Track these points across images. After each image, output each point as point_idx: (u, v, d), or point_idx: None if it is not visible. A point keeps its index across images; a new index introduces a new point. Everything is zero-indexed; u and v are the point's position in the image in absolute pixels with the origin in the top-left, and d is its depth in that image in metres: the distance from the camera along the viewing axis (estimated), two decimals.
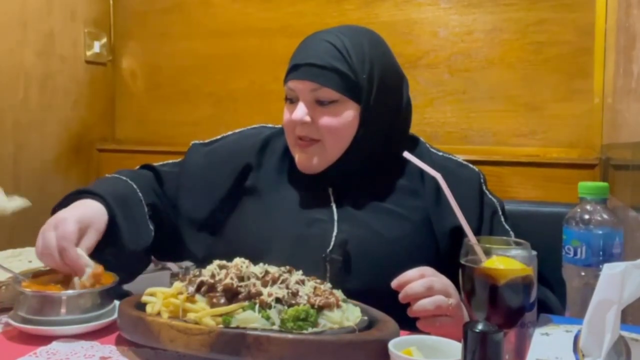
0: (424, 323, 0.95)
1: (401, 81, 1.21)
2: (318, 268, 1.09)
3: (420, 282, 0.95)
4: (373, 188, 1.18)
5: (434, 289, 0.95)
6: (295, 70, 1.15)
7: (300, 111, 1.13)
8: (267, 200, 1.20)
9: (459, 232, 1.07)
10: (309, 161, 1.16)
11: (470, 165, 1.24)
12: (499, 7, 1.74)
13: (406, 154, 0.93)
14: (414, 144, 1.25)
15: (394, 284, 0.96)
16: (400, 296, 0.95)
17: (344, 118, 1.13)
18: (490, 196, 1.20)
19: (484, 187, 1.21)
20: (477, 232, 1.09)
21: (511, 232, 1.17)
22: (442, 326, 0.94)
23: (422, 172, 1.12)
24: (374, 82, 1.14)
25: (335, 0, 1.92)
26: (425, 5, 1.82)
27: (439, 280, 0.97)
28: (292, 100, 1.17)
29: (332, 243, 1.11)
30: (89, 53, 2.17)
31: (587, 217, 0.95)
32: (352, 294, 0.98)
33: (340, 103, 1.13)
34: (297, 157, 1.18)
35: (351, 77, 1.12)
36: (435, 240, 1.15)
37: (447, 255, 1.12)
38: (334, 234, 1.13)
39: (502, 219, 1.19)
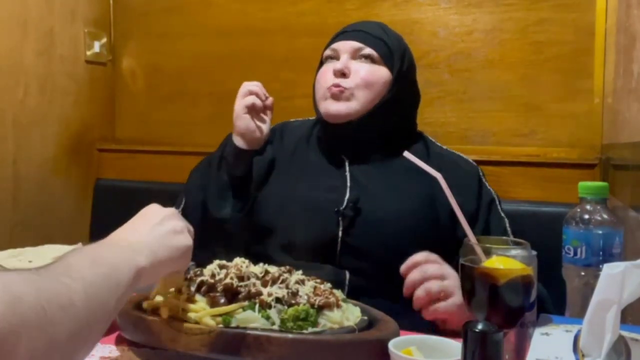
0: (425, 313, 1.00)
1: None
2: (331, 224, 1.21)
3: (415, 271, 1.01)
4: (383, 164, 1.30)
5: (426, 274, 1.00)
6: (343, 34, 1.35)
7: (342, 63, 1.29)
8: (286, 169, 1.33)
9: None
10: (338, 109, 1.27)
11: (470, 159, 1.36)
12: (499, 7, 1.74)
13: (406, 154, 0.93)
14: (420, 136, 1.38)
15: (402, 269, 1.02)
16: (404, 293, 1.00)
17: (379, 76, 1.29)
18: (488, 187, 1.31)
19: (483, 178, 1.32)
20: (474, 216, 1.23)
21: (506, 220, 1.27)
22: (441, 311, 0.99)
23: (427, 155, 1.31)
24: (404, 62, 1.32)
25: (336, 0, 1.92)
26: (425, 5, 1.82)
27: (434, 265, 1.02)
28: (331, 58, 1.33)
29: (345, 203, 1.23)
30: (89, 53, 2.16)
31: (587, 217, 0.95)
32: (361, 253, 1.17)
33: (377, 64, 1.29)
34: (327, 105, 1.29)
35: (390, 49, 1.31)
36: (437, 214, 1.23)
37: (447, 229, 1.21)
38: (347, 197, 1.24)
39: (499, 208, 1.29)
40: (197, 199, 1.33)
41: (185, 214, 1.29)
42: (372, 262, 1.20)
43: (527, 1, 1.70)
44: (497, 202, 1.29)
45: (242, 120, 1.29)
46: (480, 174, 1.32)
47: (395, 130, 1.33)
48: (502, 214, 1.29)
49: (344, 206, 1.22)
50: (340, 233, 1.21)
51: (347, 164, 1.30)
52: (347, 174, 1.28)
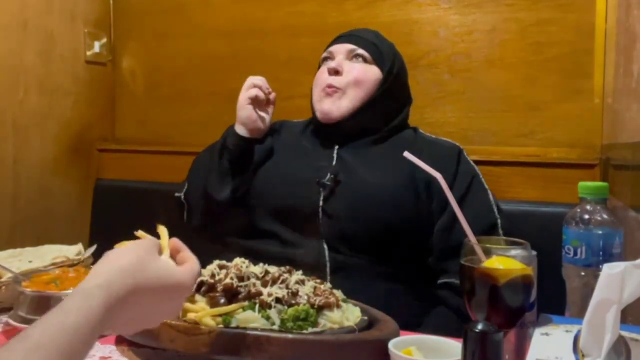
0: None
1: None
2: (313, 194, 1.31)
3: None
4: (369, 151, 1.38)
5: None
6: (338, 38, 1.47)
7: (336, 62, 1.41)
8: (281, 156, 1.42)
9: (433, 184, 1.27)
10: (330, 109, 1.37)
11: (452, 142, 1.44)
12: (499, 7, 1.73)
13: (406, 154, 0.94)
14: (413, 129, 1.47)
15: None
16: None
17: (370, 74, 1.40)
18: (470, 163, 1.39)
19: (463, 155, 1.40)
20: (452, 182, 1.31)
21: (489, 191, 1.35)
22: None
23: (410, 145, 1.35)
24: (394, 63, 1.43)
25: (336, 0, 1.92)
26: (425, 5, 1.81)
27: None
28: (327, 60, 1.44)
29: (327, 176, 1.32)
30: (89, 53, 2.16)
31: (587, 217, 0.95)
32: (340, 222, 1.28)
33: (369, 64, 1.41)
34: (321, 106, 1.39)
35: (381, 51, 1.42)
36: (415, 186, 1.32)
37: (423, 202, 1.32)
38: (329, 172, 1.33)
39: (482, 181, 1.36)
40: (198, 184, 1.43)
41: (187, 197, 1.46)
42: (351, 231, 1.29)
43: (527, 1, 1.70)
44: (480, 178, 1.37)
45: (245, 110, 1.39)
46: (462, 152, 1.40)
47: (384, 125, 1.41)
48: (486, 187, 1.36)
49: (326, 179, 1.32)
50: (320, 202, 1.31)
51: (336, 148, 1.39)
52: (335, 155, 1.38)
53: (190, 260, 0.74)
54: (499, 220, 1.31)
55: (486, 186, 1.36)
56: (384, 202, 1.29)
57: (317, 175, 1.33)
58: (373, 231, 1.29)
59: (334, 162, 1.36)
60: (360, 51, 1.41)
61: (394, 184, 1.31)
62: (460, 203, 1.26)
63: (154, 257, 0.69)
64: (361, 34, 1.45)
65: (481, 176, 1.37)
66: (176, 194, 1.49)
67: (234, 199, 1.38)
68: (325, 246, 1.29)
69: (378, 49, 1.42)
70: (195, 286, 0.86)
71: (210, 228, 1.46)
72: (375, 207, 1.29)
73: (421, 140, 1.42)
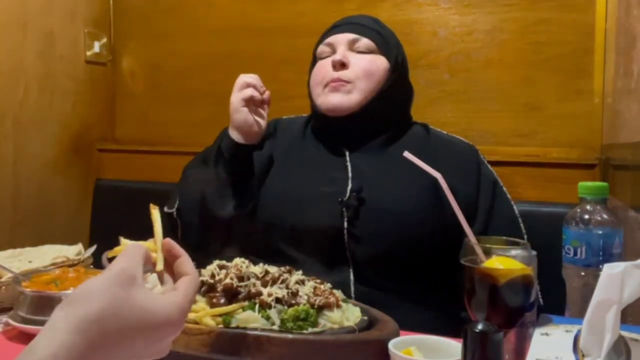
0: None
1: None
2: (335, 215, 1.19)
3: None
4: (383, 153, 1.27)
5: None
6: (336, 27, 1.34)
7: (340, 54, 1.27)
8: (284, 164, 1.30)
9: (454, 190, 1.09)
10: (340, 102, 1.25)
11: (467, 141, 1.37)
12: (499, 7, 1.73)
13: (406, 154, 0.93)
14: (423, 126, 1.37)
15: None
16: None
17: (378, 64, 1.28)
18: (488, 167, 1.31)
19: (481, 157, 1.32)
20: (476, 197, 1.23)
21: (513, 204, 1.27)
22: None
23: (427, 134, 1.32)
24: (399, 51, 1.33)
25: (335, 0, 1.92)
26: (425, 5, 1.81)
27: None
28: (326, 54, 1.31)
29: (347, 193, 1.20)
30: (89, 53, 2.16)
31: (587, 217, 0.95)
32: (368, 243, 1.16)
33: (374, 54, 1.29)
34: (327, 98, 1.27)
35: (385, 38, 1.31)
36: (440, 197, 1.14)
37: (451, 212, 1.15)
38: (349, 187, 1.22)
39: (504, 190, 1.28)
40: (194, 197, 1.27)
41: (181, 214, 1.29)
42: (380, 251, 1.18)
43: (527, 1, 1.70)
44: (501, 184, 1.28)
45: (240, 114, 1.24)
46: (479, 153, 1.32)
47: (394, 120, 1.32)
48: (508, 196, 1.28)
49: (347, 197, 1.20)
50: (345, 224, 1.18)
51: (347, 154, 1.27)
52: (348, 164, 1.26)
53: (186, 277, 0.63)
54: (525, 236, 1.24)
55: (508, 195, 1.28)
56: (412, 217, 1.18)
57: (336, 191, 1.20)
58: (403, 250, 1.18)
59: (349, 174, 1.24)
60: (365, 41, 1.28)
61: (419, 195, 1.19)
62: (487, 216, 1.21)
63: (130, 293, 0.55)
64: (362, 21, 1.33)
65: (500, 182, 1.29)
66: (166, 210, 1.31)
67: (240, 215, 1.24)
68: (352, 277, 1.18)
69: (382, 36, 1.31)
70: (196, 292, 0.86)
71: (211, 247, 1.29)
72: (405, 223, 1.17)
73: (435, 139, 1.32)
